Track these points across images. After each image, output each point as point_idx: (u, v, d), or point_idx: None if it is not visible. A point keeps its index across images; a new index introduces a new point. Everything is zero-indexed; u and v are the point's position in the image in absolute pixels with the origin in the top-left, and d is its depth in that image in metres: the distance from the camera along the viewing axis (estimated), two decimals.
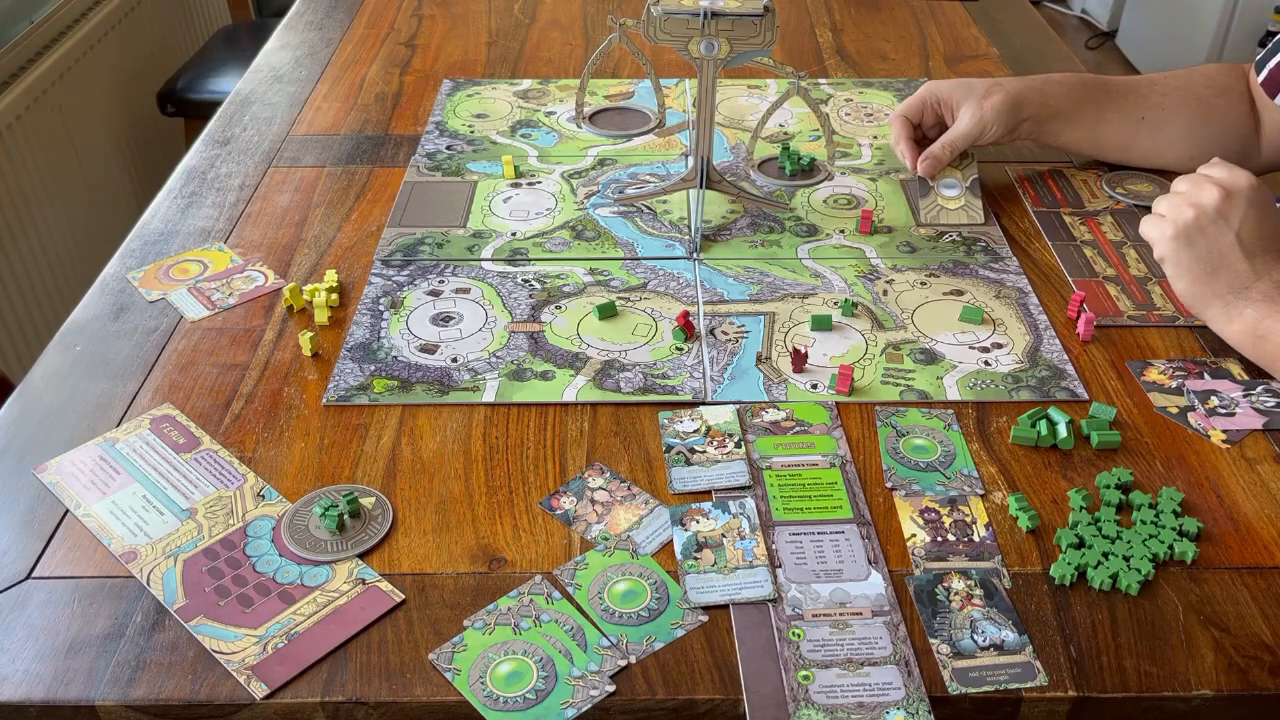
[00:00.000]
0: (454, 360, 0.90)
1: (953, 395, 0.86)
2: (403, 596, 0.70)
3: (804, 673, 0.65)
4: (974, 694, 0.64)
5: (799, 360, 0.88)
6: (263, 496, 0.78)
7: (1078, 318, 0.94)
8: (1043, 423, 0.82)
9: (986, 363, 0.90)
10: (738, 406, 0.85)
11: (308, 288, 0.97)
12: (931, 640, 0.67)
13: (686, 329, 0.92)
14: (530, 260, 1.03)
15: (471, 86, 1.37)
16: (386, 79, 1.40)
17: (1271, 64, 1.09)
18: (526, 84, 1.38)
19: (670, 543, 0.74)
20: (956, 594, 0.70)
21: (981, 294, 0.98)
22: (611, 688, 0.64)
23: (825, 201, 1.12)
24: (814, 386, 0.87)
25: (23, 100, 1.89)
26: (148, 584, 0.71)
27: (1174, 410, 0.85)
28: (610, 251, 1.04)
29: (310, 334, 0.91)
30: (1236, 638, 0.67)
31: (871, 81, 1.39)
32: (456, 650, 0.66)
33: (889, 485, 0.78)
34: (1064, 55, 1.49)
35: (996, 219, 1.09)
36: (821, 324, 0.93)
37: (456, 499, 0.77)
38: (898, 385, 0.87)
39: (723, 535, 0.74)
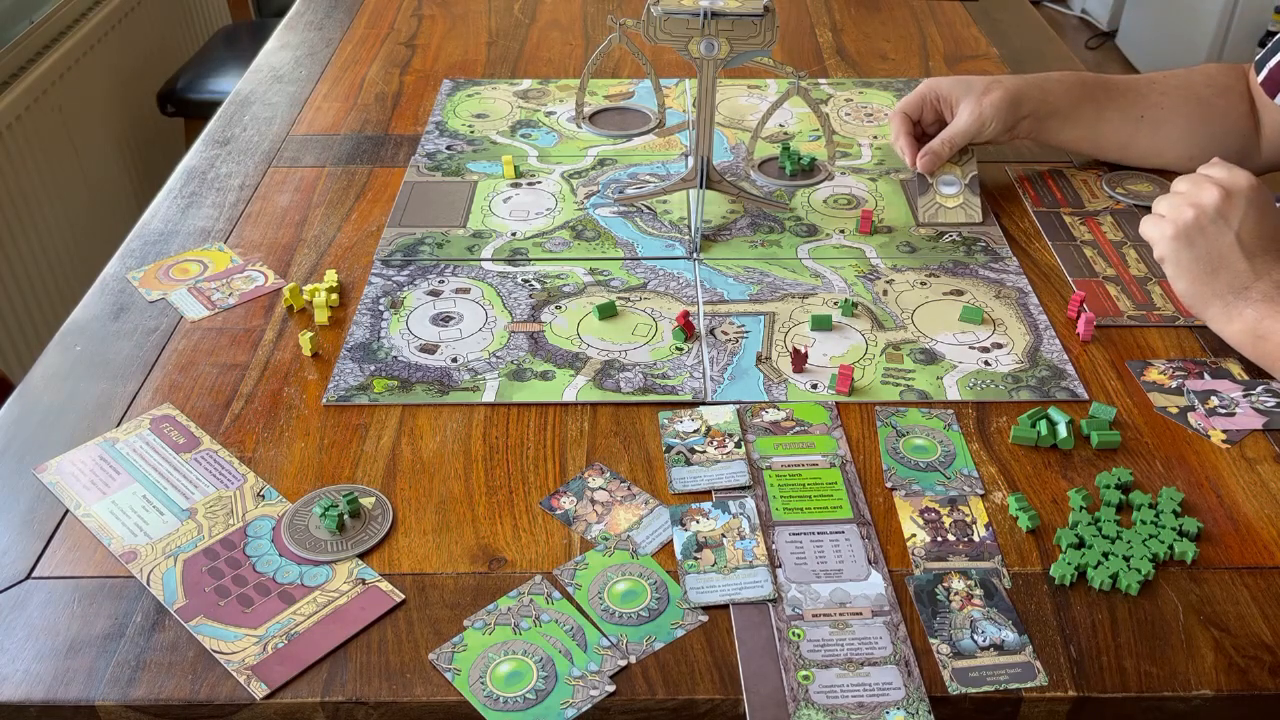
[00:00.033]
0: (454, 360, 0.90)
1: (953, 395, 0.86)
2: (403, 596, 0.70)
3: (804, 673, 0.65)
4: (974, 694, 0.64)
5: (799, 360, 0.88)
6: (263, 496, 0.78)
7: (1078, 318, 0.94)
8: (1043, 423, 0.82)
9: (986, 363, 0.90)
10: (738, 406, 0.85)
11: (308, 288, 0.97)
12: (931, 640, 0.67)
13: (686, 329, 0.92)
14: (530, 260, 1.03)
15: (471, 86, 1.37)
16: (386, 79, 1.40)
17: (1271, 64, 1.09)
18: (526, 84, 1.38)
19: (670, 543, 0.74)
20: (956, 594, 0.70)
21: (981, 294, 0.98)
22: (611, 688, 0.64)
23: (825, 201, 1.12)
24: (814, 386, 0.87)
25: (23, 100, 1.89)
26: (148, 584, 0.71)
27: (1174, 410, 0.85)
28: (610, 251, 1.04)
29: (310, 334, 0.91)
30: (1236, 638, 0.67)
31: (871, 81, 1.39)
32: (456, 650, 0.66)
33: (889, 485, 0.78)
34: (1064, 55, 1.49)
35: (996, 219, 1.09)
36: (821, 324, 0.93)
37: (456, 499, 0.77)
38: (898, 385, 0.87)
39: (723, 535, 0.74)
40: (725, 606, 0.69)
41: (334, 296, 0.96)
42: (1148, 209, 0.95)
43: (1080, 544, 0.73)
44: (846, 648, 0.66)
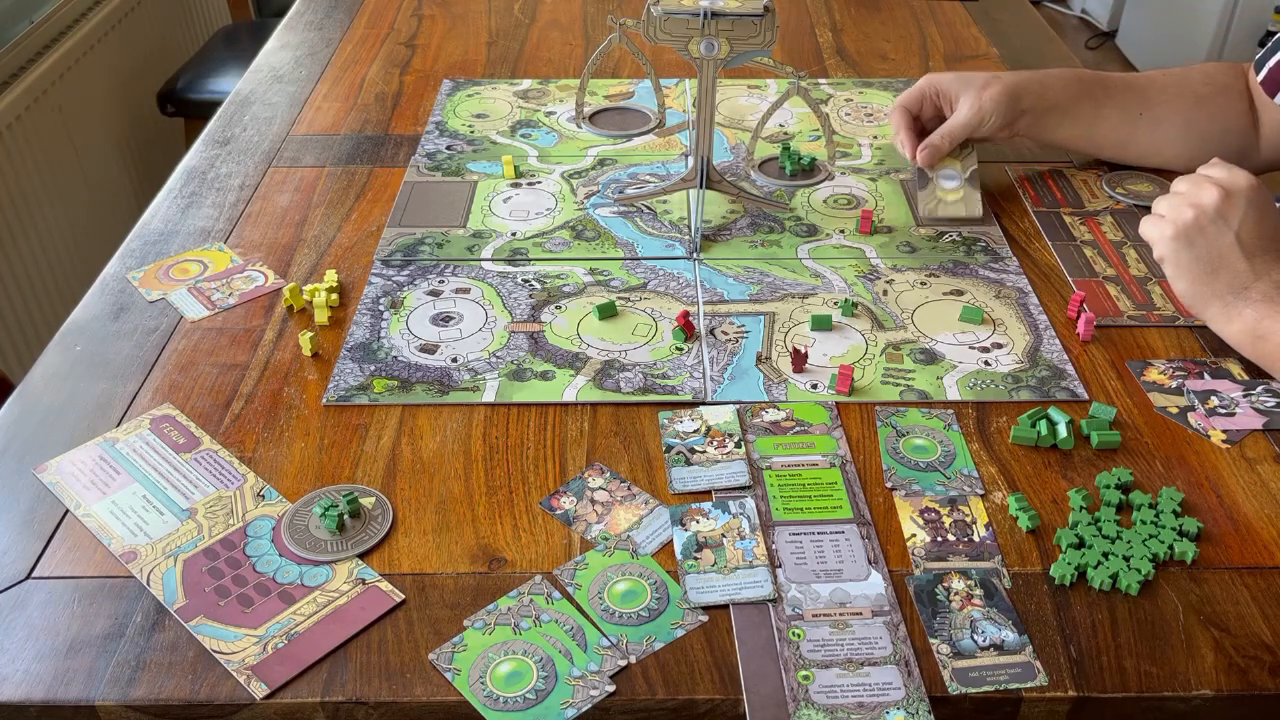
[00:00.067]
0: (454, 360, 0.90)
1: (953, 395, 0.86)
2: (403, 596, 0.70)
3: (804, 673, 0.65)
4: (974, 694, 0.64)
5: (799, 360, 0.88)
6: (263, 496, 0.78)
7: (1078, 318, 0.94)
8: (1043, 423, 0.82)
9: (986, 363, 0.90)
10: (738, 406, 0.85)
11: (308, 288, 0.97)
12: (931, 640, 0.67)
13: (686, 329, 0.92)
14: (530, 260, 1.03)
15: (471, 86, 1.37)
16: (386, 79, 1.40)
17: (1271, 63, 1.09)
18: (526, 84, 1.38)
19: (670, 543, 0.74)
20: (956, 594, 0.70)
21: (981, 294, 0.98)
22: (611, 688, 0.64)
23: (825, 201, 1.12)
24: (814, 386, 0.87)
25: (23, 100, 1.89)
26: (148, 584, 0.71)
27: (1174, 410, 0.85)
28: (610, 251, 1.04)
29: (310, 334, 0.91)
30: (1236, 638, 0.67)
31: (871, 81, 1.39)
32: (456, 650, 0.66)
33: (889, 485, 0.78)
34: (1064, 55, 1.49)
35: (996, 219, 1.09)
36: (821, 324, 0.93)
37: (456, 499, 0.77)
38: (898, 385, 0.87)
39: (723, 535, 0.74)
40: (725, 606, 0.69)
41: (334, 296, 0.96)
42: (1148, 209, 0.95)
43: (1080, 544, 0.73)
44: (846, 648, 0.66)
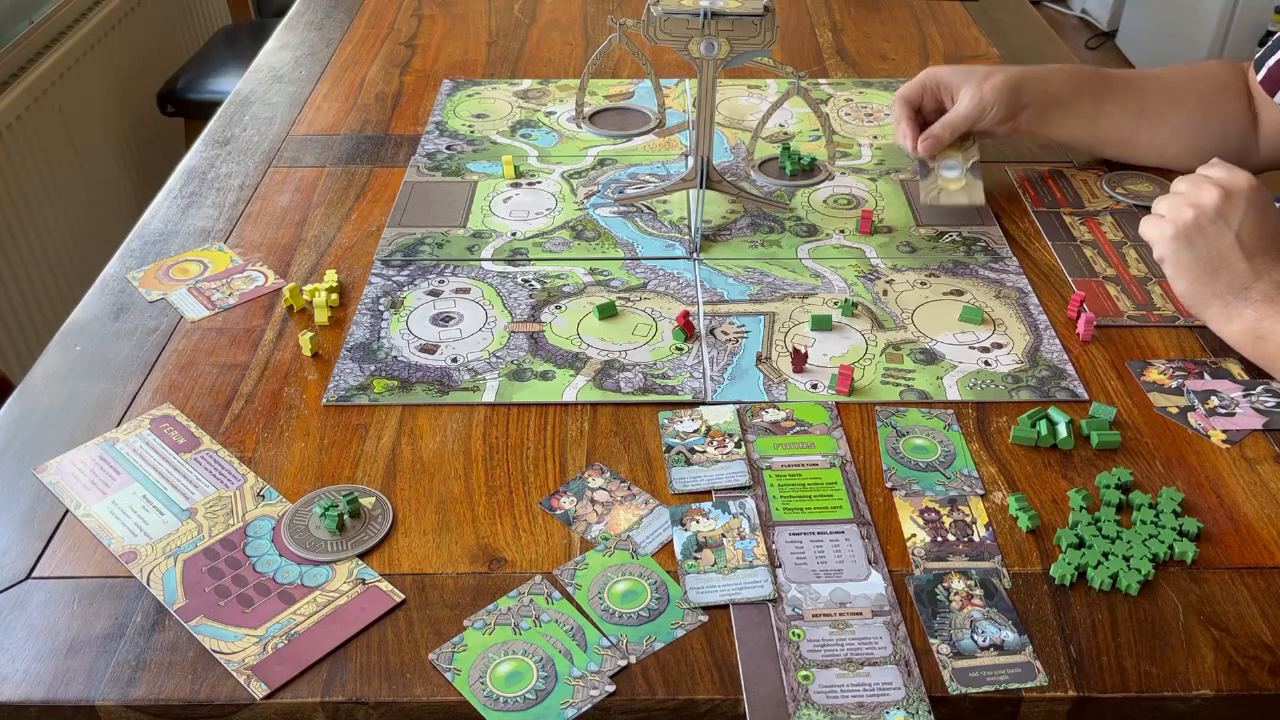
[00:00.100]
0: (454, 360, 0.90)
1: (953, 395, 0.86)
2: (403, 596, 0.70)
3: (804, 673, 0.65)
4: (974, 694, 0.64)
5: (799, 360, 0.88)
6: (263, 496, 0.78)
7: (1078, 318, 0.94)
8: (1043, 423, 0.82)
9: (986, 363, 0.90)
10: (738, 406, 0.85)
11: (308, 288, 0.97)
12: (931, 640, 0.67)
13: (686, 329, 0.92)
14: (530, 260, 1.03)
15: (471, 86, 1.37)
16: (386, 79, 1.40)
17: (1271, 62, 1.09)
18: (526, 84, 1.38)
19: (670, 543, 0.74)
20: (956, 594, 0.70)
21: (981, 294, 0.98)
22: (611, 688, 0.64)
23: (825, 201, 1.12)
24: (814, 386, 0.87)
25: (23, 100, 1.89)
26: (148, 584, 0.71)
27: (1174, 410, 0.85)
28: (610, 251, 1.04)
29: (310, 334, 0.91)
30: (1236, 638, 0.67)
31: (871, 81, 1.39)
32: (456, 650, 0.66)
33: (889, 485, 0.78)
34: (1064, 55, 1.49)
35: (996, 219, 1.09)
36: (821, 324, 0.93)
37: (456, 499, 0.77)
38: (898, 385, 0.87)
39: (723, 535, 0.74)
40: (725, 606, 0.69)
41: (334, 296, 0.96)
42: (1148, 209, 0.95)
43: (1080, 544, 0.73)
44: (846, 648, 0.66)
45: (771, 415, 0.84)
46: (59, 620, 0.69)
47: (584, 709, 0.63)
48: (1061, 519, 0.76)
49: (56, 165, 2.00)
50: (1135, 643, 0.67)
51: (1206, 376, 0.88)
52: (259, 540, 0.74)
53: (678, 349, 0.91)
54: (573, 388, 0.87)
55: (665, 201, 1.12)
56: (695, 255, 1.03)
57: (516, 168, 1.17)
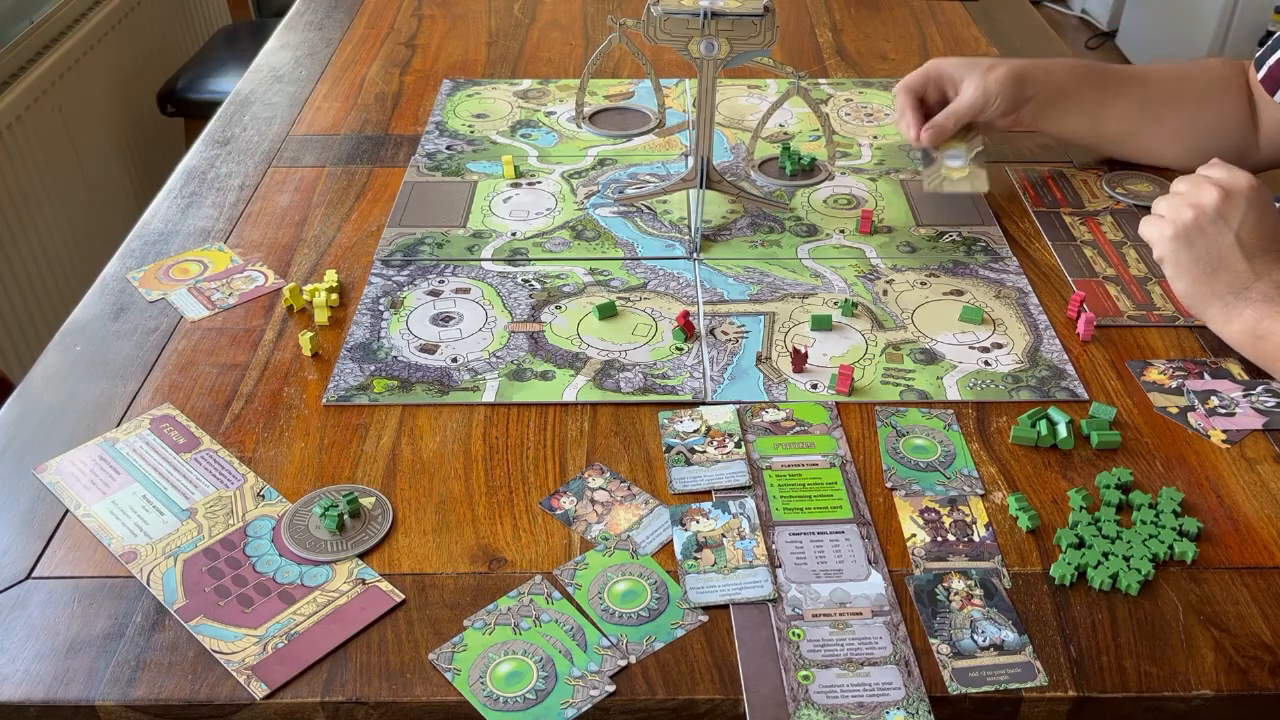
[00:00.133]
0: (454, 360, 0.90)
1: (953, 395, 0.86)
2: (403, 596, 0.70)
3: (804, 673, 0.65)
4: (974, 694, 0.64)
5: (799, 360, 0.88)
6: (263, 496, 0.78)
7: (1078, 318, 0.94)
8: (1043, 423, 0.82)
9: (986, 363, 0.90)
10: (738, 406, 0.85)
11: (308, 288, 0.97)
12: (931, 640, 0.67)
13: (686, 329, 0.92)
14: (530, 260, 1.03)
15: (471, 86, 1.37)
16: (386, 79, 1.40)
17: (1271, 61, 1.09)
18: (526, 84, 1.38)
19: (670, 543, 0.74)
20: (956, 594, 0.70)
21: (981, 294, 0.98)
22: (611, 688, 0.64)
23: (825, 201, 1.12)
24: (814, 386, 0.87)
25: (23, 100, 1.89)
26: (148, 584, 0.71)
27: (1174, 410, 0.85)
28: (610, 251, 1.04)
29: (310, 334, 0.91)
30: (1236, 638, 0.67)
31: (871, 81, 1.39)
32: (456, 650, 0.66)
33: (889, 485, 0.78)
34: (1064, 55, 1.49)
35: (996, 219, 1.09)
36: (821, 324, 0.93)
37: (456, 499, 0.77)
38: (898, 385, 0.87)
39: (723, 535, 0.74)
40: (725, 606, 0.69)
41: (334, 296, 0.96)
42: (1147, 209, 0.94)
43: (1080, 544, 0.73)
44: (846, 648, 0.66)
45: (771, 415, 0.84)
46: (59, 620, 0.69)
47: (584, 709, 0.63)
48: (1061, 519, 0.76)
49: (56, 165, 2.00)
50: (1135, 643, 0.67)
51: (1206, 376, 0.88)
52: (259, 540, 0.74)
53: (678, 349, 0.91)
54: (573, 388, 0.87)
55: (665, 201, 1.12)
56: (695, 255, 1.03)
57: (516, 168, 1.17)
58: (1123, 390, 0.87)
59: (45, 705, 0.64)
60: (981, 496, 0.77)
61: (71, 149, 2.06)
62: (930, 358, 0.90)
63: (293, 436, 0.83)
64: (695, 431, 0.82)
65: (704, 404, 0.85)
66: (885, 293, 0.98)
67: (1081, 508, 0.75)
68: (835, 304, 0.96)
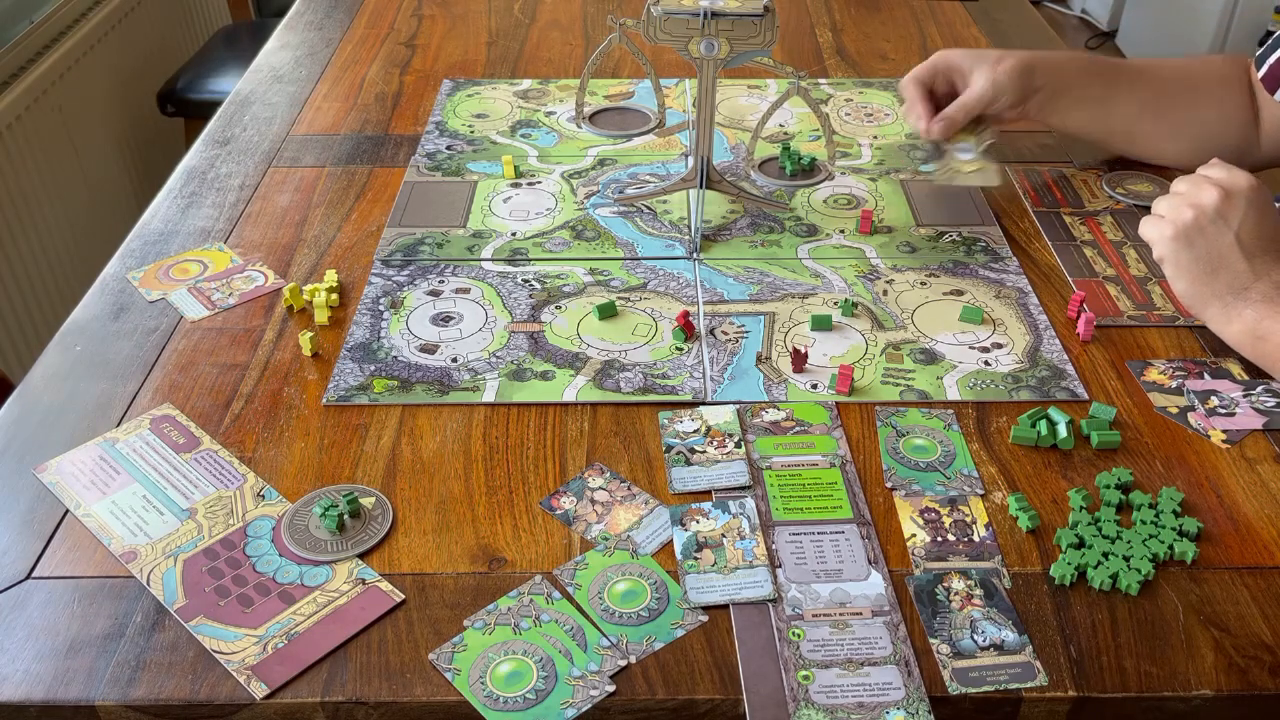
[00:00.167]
0: (454, 360, 0.90)
1: (953, 395, 0.86)
2: (403, 596, 0.70)
3: (804, 673, 0.65)
4: (974, 694, 0.64)
5: (799, 360, 0.88)
6: (263, 496, 0.78)
7: (1078, 318, 0.94)
8: (1043, 423, 0.82)
9: (986, 363, 0.90)
10: (738, 406, 0.85)
11: (308, 288, 0.97)
12: (931, 640, 0.67)
13: (686, 329, 0.92)
14: (530, 260, 1.03)
15: (471, 86, 1.37)
16: (386, 79, 1.40)
17: (1271, 60, 1.09)
18: (526, 84, 1.38)
19: (670, 543, 0.74)
20: (956, 594, 0.70)
21: (981, 294, 0.98)
22: (611, 688, 0.64)
23: (825, 201, 1.12)
24: (814, 386, 0.87)
25: (23, 100, 1.89)
26: (148, 584, 0.71)
27: (1174, 410, 0.85)
28: (610, 251, 1.04)
29: (310, 334, 0.91)
30: (1236, 638, 0.67)
31: (871, 81, 1.39)
32: (456, 650, 0.66)
33: (889, 485, 0.78)
34: None
35: (996, 219, 1.09)
36: (821, 324, 0.93)
37: (456, 499, 0.77)
38: (898, 385, 0.87)
39: (723, 535, 0.74)
40: (725, 606, 0.69)
41: (334, 296, 0.96)
42: (1147, 209, 0.94)
43: (1080, 544, 0.73)
44: (846, 648, 0.66)
45: (771, 415, 0.84)
46: (59, 620, 0.69)
47: (584, 709, 0.63)
48: (1061, 519, 0.76)
49: (56, 165, 2.00)
50: (1135, 643, 0.67)
51: (1206, 376, 0.88)
52: (259, 540, 0.74)
53: (678, 349, 0.91)
54: (573, 388, 0.87)
55: (665, 201, 1.12)
56: (695, 255, 1.03)
57: (516, 168, 1.17)
58: (1123, 390, 0.87)
59: (45, 705, 0.64)
60: (981, 496, 0.77)
61: (71, 149, 2.06)
62: (930, 358, 0.90)
63: (293, 436, 0.83)
64: (695, 431, 0.82)
65: (704, 404, 0.85)
66: (885, 293, 0.98)
67: (1081, 508, 0.75)
68: (835, 304, 0.96)
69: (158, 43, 2.48)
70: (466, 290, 0.99)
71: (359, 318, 0.95)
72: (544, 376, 0.88)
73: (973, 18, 1.59)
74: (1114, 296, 0.97)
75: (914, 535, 0.74)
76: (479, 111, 1.31)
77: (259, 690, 0.64)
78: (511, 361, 0.90)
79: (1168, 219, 0.89)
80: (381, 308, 0.96)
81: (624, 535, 0.74)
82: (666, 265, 1.02)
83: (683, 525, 0.75)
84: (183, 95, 2.25)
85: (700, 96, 1.01)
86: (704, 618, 0.68)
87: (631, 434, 0.83)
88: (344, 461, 0.80)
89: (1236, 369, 0.89)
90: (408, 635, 0.68)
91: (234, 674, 0.65)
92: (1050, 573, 0.71)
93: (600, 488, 0.78)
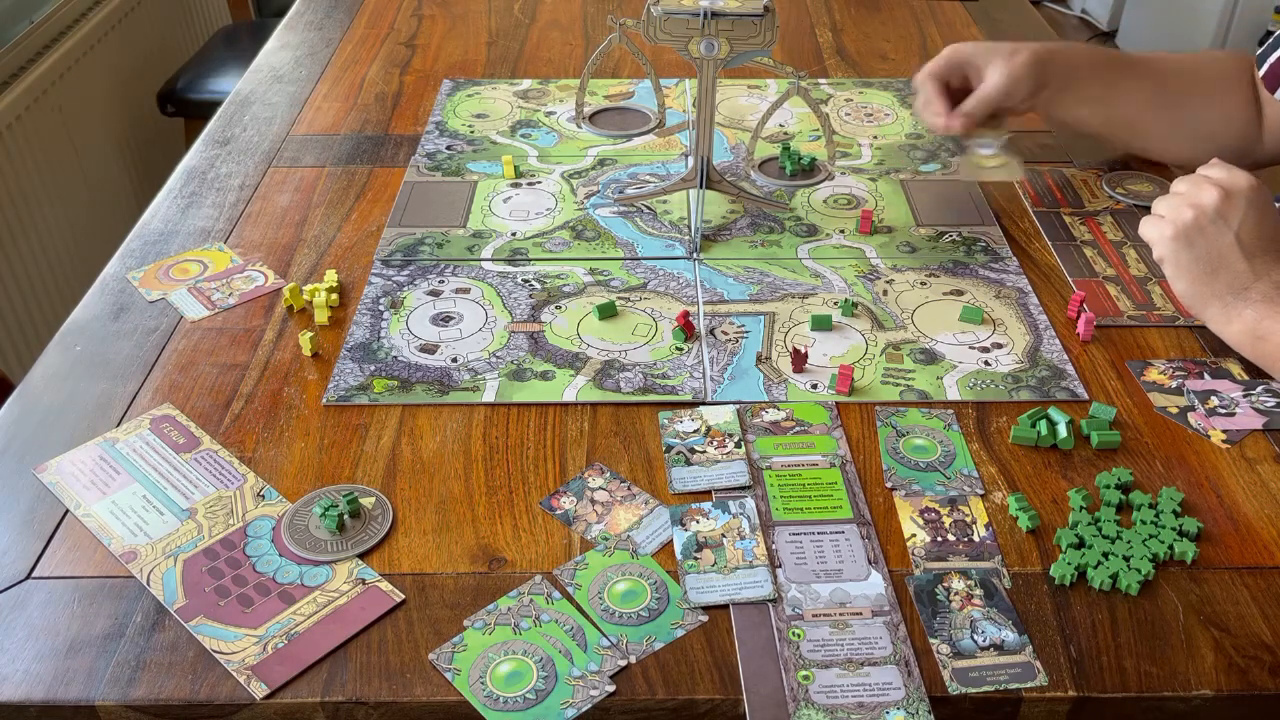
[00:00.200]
0: (454, 360, 0.90)
1: (953, 395, 0.86)
2: (403, 596, 0.70)
3: (804, 673, 0.65)
4: (974, 694, 0.64)
5: (799, 360, 0.88)
6: (263, 496, 0.78)
7: (1078, 318, 0.94)
8: (1043, 423, 0.82)
9: (986, 363, 0.90)
10: (738, 406, 0.85)
11: (308, 288, 0.97)
12: (931, 640, 0.67)
13: (686, 329, 0.92)
14: (530, 260, 1.03)
15: (471, 86, 1.37)
16: (386, 79, 1.40)
17: (1272, 59, 1.09)
18: (526, 84, 1.38)
19: (670, 543, 0.74)
20: (956, 594, 0.70)
21: (981, 294, 0.98)
22: (611, 688, 0.64)
23: (825, 201, 1.12)
24: (814, 386, 0.87)
25: (23, 100, 1.89)
26: (148, 584, 0.71)
27: (1174, 410, 0.85)
28: (610, 251, 1.04)
29: (310, 334, 0.91)
30: (1236, 638, 0.67)
31: (871, 81, 1.39)
32: (456, 650, 0.66)
33: (889, 485, 0.78)
34: None
35: (996, 219, 1.09)
36: (821, 324, 0.93)
37: (456, 499, 0.77)
38: (898, 385, 0.87)
39: (723, 535, 0.74)
40: (725, 606, 0.69)
41: (334, 296, 0.96)
42: (1147, 209, 0.94)
43: (1080, 544, 0.73)
44: (846, 648, 0.66)
45: (771, 415, 0.84)
46: (59, 620, 0.69)
47: (584, 709, 0.63)
48: (1061, 519, 0.76)
49: (56, 165, 2.00)
50: (1135, 643, 0.67)
51: (1206, 376, 0.88)
52: (259, 540, 0.74)
53: (678, 349, 0.91)
54: (573, 388, 0.87)
55: (665, 201, 1.12)
56: (695, 255, 1.03)
57: (516, 168, 1.17)
58: (1123, 390, 0.87)
59: (45, 705, 0.64)
60: (981, 496, 0.77)
61: (71, 149, 2.06)
62: (930, 358, 0.90)
63: (293, 436, 0.83)
64: (695, 431, 0.82)
65: (704, 404, 0.85)
66: (885, 293, 0.98)
67: (1081, 508, 0.75)
68: (835, 304, 0.96)
69: (158, 43, 2.48)
70: (466, 290, 0.99)
71: (359, 318, 0.95)
72: (544, 376, 0.88)
73: (973, 18, 1.59)
74: (1114, 296, 0.97)
75: (914, 535, 0.74)
76: (479, 111, 1.31)
77: (259, 690, 0.64)
78: (511, 361, 0.90)
79: (1168, 219, 0.89)
80: (381, 308, 0.96)
81: (624, 535, 0.74)
82: (666, 265, 1.02)
83: (683, 525, 0.75)
84: (183, 95, 2.25)
85: (700, 96, 1.01)
86: (704, 618, 0.68)
87: (631, 434, 0.83)
88: (344, 461, 0.80)
89: (1236, 369, 0.89)
90: (408, 635, 0.68)
91: (234, 674, 0.65)
92: (1050, 573, 0.71)
93: (600, 488, 0.78)
